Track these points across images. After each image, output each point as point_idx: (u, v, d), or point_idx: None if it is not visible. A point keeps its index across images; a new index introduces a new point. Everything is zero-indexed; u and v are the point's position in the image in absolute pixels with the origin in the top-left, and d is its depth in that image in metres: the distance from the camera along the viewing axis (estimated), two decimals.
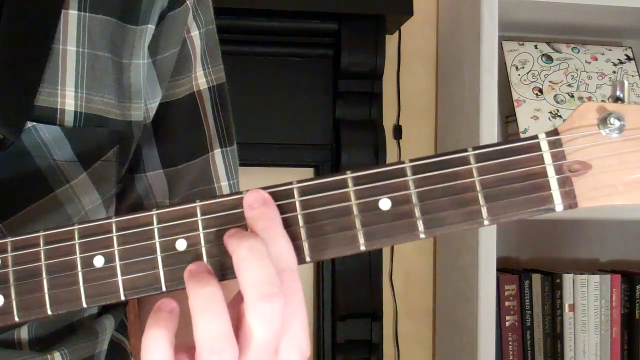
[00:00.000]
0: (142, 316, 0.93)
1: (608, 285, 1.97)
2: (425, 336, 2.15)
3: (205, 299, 0.54)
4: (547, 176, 0.56)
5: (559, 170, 0.56)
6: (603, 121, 0.55)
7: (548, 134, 0.57)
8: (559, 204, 0.56)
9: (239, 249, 0.55)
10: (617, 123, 0.55)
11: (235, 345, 0.54)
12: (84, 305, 0.60)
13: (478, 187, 0.56)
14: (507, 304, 1.94)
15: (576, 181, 0.56)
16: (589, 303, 1.95)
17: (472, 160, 0.57)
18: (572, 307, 1.95)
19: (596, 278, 1.97)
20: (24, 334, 0.78)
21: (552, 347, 1.95)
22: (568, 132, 0.57)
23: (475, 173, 0.57)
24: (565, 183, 0.56)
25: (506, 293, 1.94)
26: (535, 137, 0.57)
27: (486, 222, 0.56)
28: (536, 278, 1.96)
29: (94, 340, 0.83)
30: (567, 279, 1.96)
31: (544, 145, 0.57)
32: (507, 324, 1.94)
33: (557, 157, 0.56)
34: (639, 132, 0.55)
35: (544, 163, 0.56)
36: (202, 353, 0.54)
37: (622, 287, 1.98)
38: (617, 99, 0.56)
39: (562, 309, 1.95)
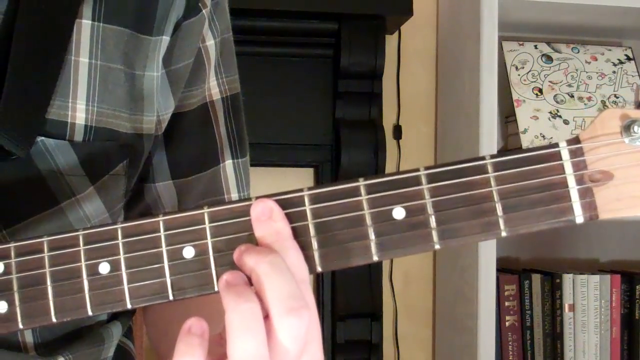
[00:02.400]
0: (147, 316, 0.92)
1: (608, 285, 1.97)
2: (425, 336, 2.14)
3: (245, 317, 0.52)
4: (567, 186, 0.54)
5: (580, 181, 0.54)
6: (626, 129, 0.53)
7: (569, 142, 0.55)
8: (579, 216, 0.54)
9: (260, 264, 0.54)
10: None
11: None
12: (90, 313, 0.59)
13: (496, 197, 0.55)
14: (507, 304, 1.94)
15: (597, 192, 0.54)
16: (589, 303, 1.95)
17: (489, 168, 0.55)
18: (572, 307, 1.95)
19: (596, 278, 1.97)
20: (28, 337, 0.78)
21: (552, 347, 1.95)
22: (590, 140, 0.55)
23: (493, 182, 0.55)
24: (586, 194, 0.54)
25: (506, 293, 1.94)
26: (556, 145, 0.55)
27: (504, 234, 0.54)
28: (536, 278, 1.96)
29: (100, 347, 0.82)
30: (567, 279, 1.96)
31: (565, 154, 0.55)
32: (507, 324, 1.93)
33: (579, 166, 0.54)
34: None
35: (564, 173, 0.54)
36: None
37: (622, 287, 1.98)
38: None
39: (562, 309, 1.95)
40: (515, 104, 2.02)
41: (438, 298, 2.12)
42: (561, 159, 0.55)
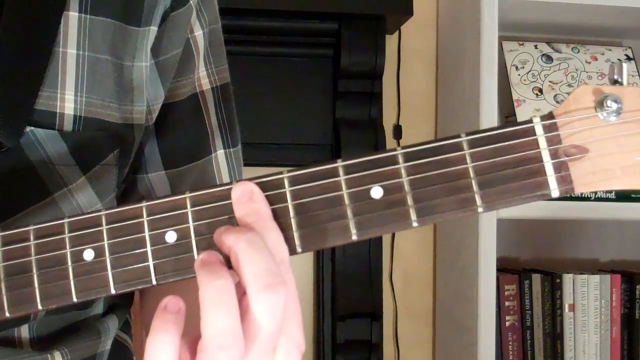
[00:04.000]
0: (144, 312, 0.93)
1: (608, 285, 1.97)
2: (425, 336, 2.14)
3: (217, 292, 0.53)
4: (542, 161, 0.55)
5: (554, 155, 0.55)
6: (600, 104, 0.54)
7: (543, 117, 0.56)
8: (554, 189, 0.55)
9: (238, 242, 0.55)
10: (614, 106, 0.54)
11: (243, 340, 0.53)
12: (74, 299, 0.59)
13: (471, 174, 0.55)
14: (507, 304, 1.94)
15: (572, 166, 0.55)
16: (589, 303, 1.95)
17: (465, 146, 0.56)
18: (572, 307, 1.95)
19: (596, 278, 1.96)
20: (24, 332, 0.78)
21: (552, 347, 1.95)
22: (564, 115, 0.55)
23: (468, 159, 0.55)
24: (561, 168, 0.55)
25: (506, 293, 1.94)
26: (530, 121, 0.56)
27: (480, 209, 0.55)
28: (536, 278, 1.96)
29: (96, 340, 0.83)
30: (567, 279, 1.95)
31: (539, 129, 0.55)
32: (507, 324, 1.93)
33: (553, 141, 0.55)
34: (637, 115, 0.54)
35: (538, 148, 0.55)
36: (208, 347, 0.53)
37: (622, 287, 1.98)
38: (615, 82, 0.55)
39: (562, 309, 1.95)
40: (515, 104, 2.02)
41: (438, 298, 2.12)
42: (535, 134, 0.55)
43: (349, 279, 1.99)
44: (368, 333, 1.98)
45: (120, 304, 0.90)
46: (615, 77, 0.54)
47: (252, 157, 1.95)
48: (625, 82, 0.54)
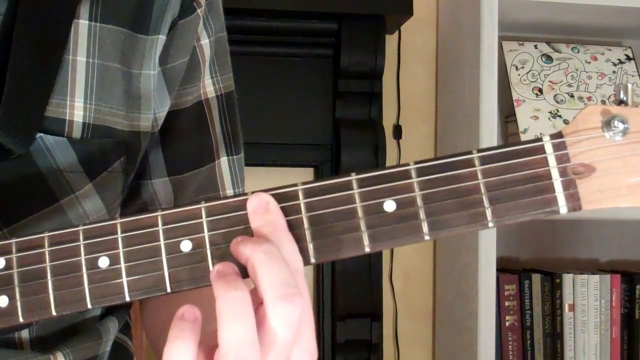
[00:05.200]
0: (144, 315, 0.93)
1: (608, 285, 1.97)
2: (425, 336, 2.15)
3: (234, 303, 0.54)
4: (551, 178, 0.57)
5: (563, 173, 0.57)
6: (607, 124, 0.56)
7: (552, 136, 0.57)
8: (563, 206, 0.56)
9: (255, 253, 0.55)
10: (620, 126, 0.55)
11: (259, 351, 0.54)
12: (89, 306, 0.60)
13: (482, 190, 0.57)
14: (507, 304, 1.94)
15: (580, 183, 0.56)
16: (589, 303, 1.96)
17: (476, 162, 0.57)
18: (572, 307, 1.96)
19: (596, 278, 1.97)
20: (24, 334, 0.79)
21: (552, 347, 1.95)
22: (572, 134, 0.57)
23: (479, 175, 0.57)
24: (569, 185, 0.56)
25: (506, 293, 1.94)
26: (540, 139, 0.57)
27: (491, 224, 0.56)
28: (536, 278, 1.96)
29: (97, 341, 0.84)
30: (567, 279, 1.96)
31: (549, 147, 0.57)
32: (507, 324, 1.94)
33: (562, 159, 0.57)
34: None
35: (548, 165, 0.57)
36: (226, 357, 0.54)
37: (622, 287, 1.98)
38: (621, 102, 0.56)
39: (562, 309, 1.95)
40: (515, 104, 2.02)
41: (438, 298, 2.13)
42: (545, 152, 0.57)
43: (349, 279, 1.99)
44: (368, 333, 1.98)
45: (120, 306, 0.90)
46: (622, 97, 0.56)
47: (252, 157, 1.94)
48: (630, 102, 0.56)
